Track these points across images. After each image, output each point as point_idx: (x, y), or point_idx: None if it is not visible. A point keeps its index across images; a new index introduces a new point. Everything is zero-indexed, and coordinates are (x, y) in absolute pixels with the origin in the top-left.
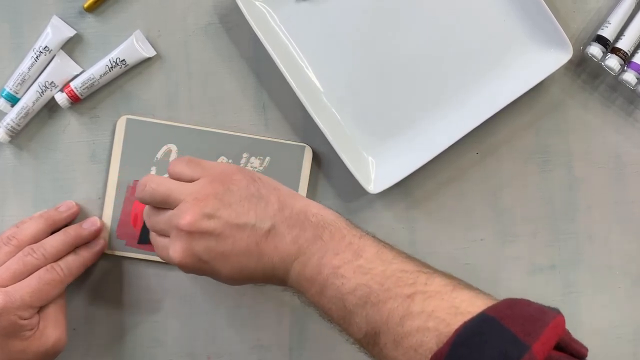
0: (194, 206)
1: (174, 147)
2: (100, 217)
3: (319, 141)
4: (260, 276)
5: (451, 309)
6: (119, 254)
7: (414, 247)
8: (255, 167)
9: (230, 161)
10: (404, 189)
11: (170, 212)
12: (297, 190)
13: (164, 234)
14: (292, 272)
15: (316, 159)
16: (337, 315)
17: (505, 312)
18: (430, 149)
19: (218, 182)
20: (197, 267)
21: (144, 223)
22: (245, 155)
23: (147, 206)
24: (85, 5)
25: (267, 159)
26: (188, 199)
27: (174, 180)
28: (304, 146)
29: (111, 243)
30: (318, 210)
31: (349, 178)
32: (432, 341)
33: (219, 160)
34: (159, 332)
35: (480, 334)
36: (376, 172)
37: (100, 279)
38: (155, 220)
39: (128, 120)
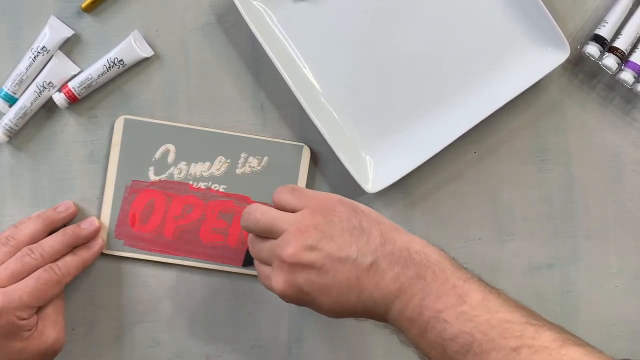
0: (296, 237)
1: (172, 147)
2: (99, 217)
3: (316, 141)
4: (361, 311)
5: None
6: (117, 254)
7: None
8: (254, 167)
9: (228, 161)
10: (402, 188)
11: (273, 242)
12: None
13: (266, 262)
14: (393, 310)
15: (314, 158)
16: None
17: None
18: (428, 149)
19: (320, 214)
20: (298, 298)
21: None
22: (243, 155)
23: (251, 234)
24: (83, 6)
25: (266, 158)
26: (291, 229)
27: (278, 210)
28: (302, 146)
29: (109, 243)
30: (421, 248)
31: (347, 177)
32: None
33: (217, 160)
34: (157, 332)
35: None
36: (374, 172)
37: (99, 279)
38: (259, 248)
39: (126, 120)
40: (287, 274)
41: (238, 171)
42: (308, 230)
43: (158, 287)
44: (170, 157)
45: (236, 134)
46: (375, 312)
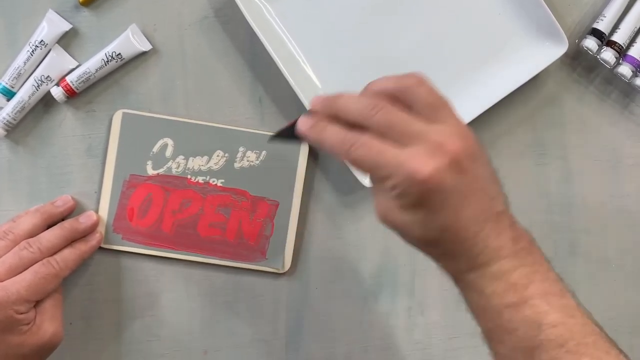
0: (461, 137)
1: (170, 141)
2: (97, 211)
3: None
4: (464, 246)
5: None
6: (115, 248)
7: None
8: (252, 161)
9: (226, 155)
10: None
11: (427, 125)
12: (293, 184)
13: (387, 137)
14: (497, 267)
15: (312, 153)
16: (519, 337)
17: None
18: None
19: (473, 138)
20: (426, 194)
21: (295, 120)
22: (241, 149)
23: (357, 96)
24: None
25: (264, 152)
26: (453, 129)
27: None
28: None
29: (107, 237)
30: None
31: (346, 171)
32: None
33: (215, 154)
34: (155, 326)
35: None
36: None
37: (97, 273)
38: (400, 118)
39: (124, 114)
40: (441, 161)
41: (236, 165)
42: (471, 139)
43: (157, 281)
44: (169, 151)
45: (234, 128)
46: (474, 257)
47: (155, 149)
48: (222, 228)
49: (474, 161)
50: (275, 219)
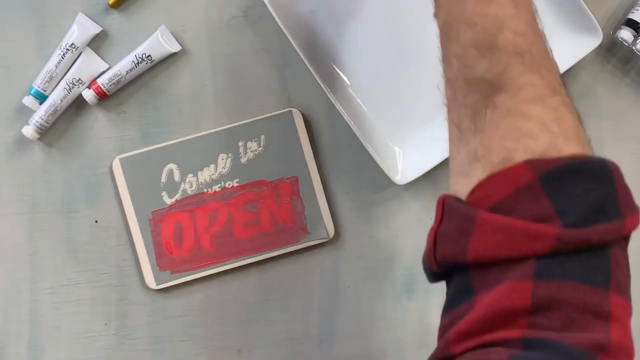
0: None
1: (173, 166)
2: (136, 259)
3: (344, 131)
4: None
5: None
6: (169, 285)
7: None
8: (255, 150)
9: (230, 155)
10: (432, 178)
11: None
12: (303, 154)
13: None
14: None
15: (344, 149)
16: (476, 33)
17: (618, 174)
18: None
19: None
20: None
21: None
22: (241, 143)
23: None
24: (111, 2)
25: (262, 137)
26: None
27: None
28: (290, 110)
29: (157, 277)
30: None
31: (377, 169)
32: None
33: (219, 158)
34: (189, 326)
35: (593, 173)
36: (403, 163)
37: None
38: None
39: (121, 159)
40: None
41: (243, 160)
42: None
43: (191, 284)
44: (176, 176)
45: (226, 127)
46: None
47: (163, 178)
48: (257, 223)
49: None
50: (302, 194)
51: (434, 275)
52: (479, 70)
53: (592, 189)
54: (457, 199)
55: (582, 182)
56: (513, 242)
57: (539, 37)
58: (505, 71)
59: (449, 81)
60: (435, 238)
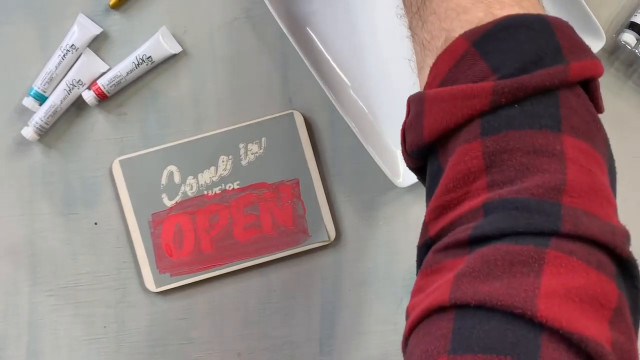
0: None
1: (173, 168)
2: (135, 261)
3: (345, 134)
4: None
5: None
6: (168, 288)
7: None
8: (256, 152)
9: (230, 157)
10: None
11: None
12: (304, 156)
13: None
14: None
15: (345, 151)
16: None
17: (562, 26)
18: None
19: None
20: None
21: None
22: (241, 145)
23: None
24: (111, 3)
25: (264, 139)
26: None
27: None
28: (292, 112)
29: (157, 280)
30: None
31: (378, 172)
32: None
33: (220, 160)
34: (189, 329)
35: (528, 27)
36: (404, 166)
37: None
38: None
39: (121, 161)
40: None
41: (243, 163)
42: None
43: (191, 287)
44: (177, 178)
45: (227, 129)
46: None
47: (163, 180)
48: (257, 225)
49: None
50: (302, 196)
51: (416, 171)
52: None
53: (527, 42)
54: (417, 93)
55: (516, 37)
56: (454, 107)
57: None
58: None
59: None
60: (404, 133)
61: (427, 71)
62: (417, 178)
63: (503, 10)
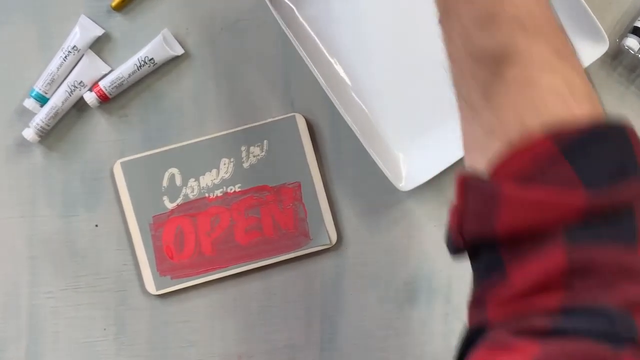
0: None
1: (175, 170)
2: (135, 263)
3: (347, 137)
4: None
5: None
6: (169, 290)
7: None
8: (258, 155)
9: (232, 160)
10: (436, 186)
11: None
12: (306, 159)
13: None
14: None
15: (347, 155)
16: (477, 5)
17: (634, 135)
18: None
19: None
20: None
21: None
22: (243, 148)
23: None
24: (113, 4)
25: (265, 142)
26: None
27: None
28: (294, 115)
29: (157, 282)
30: None
31: (380, 175)
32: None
33: (221, 163)
34: (189, 332)
35: (611, 136)
36: (407, 169)
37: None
38: None
39: (122, 163)
40: None
41: (245, 165)
42: None
43: (192, 290)
44: (178, 180)
45: (228, 132)
46: None
47: (165, 182)
48: (259, 228)
49: None
50: (304, 200)
51: (458, 251)
52: (483, 44)
53: (611, 153)
54: (476, 175)
55: (602, 147)
56: (541, 213)
57: (541, 4)
58: (510, 42)
59: (454, 60)
60: (461, 216)
61: (490, 155)
62: (452, 253)
63: (580, 108)
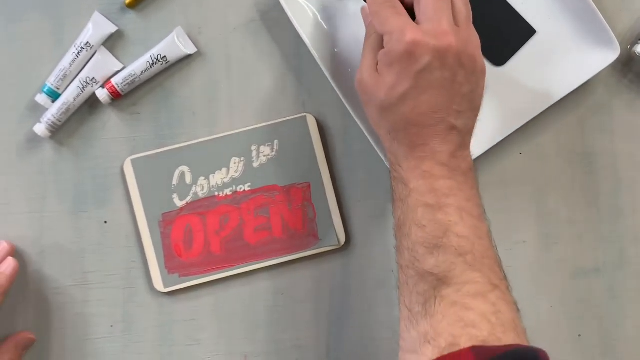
0: (465, 43)
1: (185, 168)
2: (144, 261)
3: (358, 138)
4: (414, 131)
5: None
6: (177, 288)
7: None
8: (268, 155)
9: (242, 159)
10: None
11: (447, 18)
12: (316, 159)
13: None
14: (427, 166)
15: (357, 156)
16: (425, 235)
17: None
18: (474, 148)
19: (477, 55)
20: (402, 67)
21: None
22: (254, 147)
23: None
24: (127, 2)
25: (276, 142)
26: (468, 32)
27: None
28: (305, 116)
29: (166, 280)
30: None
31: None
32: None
33: (232, 162)
34: (196, 330)
35: None
36: None
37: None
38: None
39: (133, 160)
40: (432, 42)
41: (255, 165)
42: (473, 53)
43: (200, 288)
44: (188, 178)
45: (239, 131)
46: (414, 147)
47: (175, 180)
48: (268, 228)
49: (460, 67)
50: (313, 200)
51: None
52: (428, 266)
53: None
54: None
55: None
56: None
57: (482, 239)
58: (451, 269)
59: (402, 268)
60: None
61: (421, 358)
62: None
63: (505, 334)
